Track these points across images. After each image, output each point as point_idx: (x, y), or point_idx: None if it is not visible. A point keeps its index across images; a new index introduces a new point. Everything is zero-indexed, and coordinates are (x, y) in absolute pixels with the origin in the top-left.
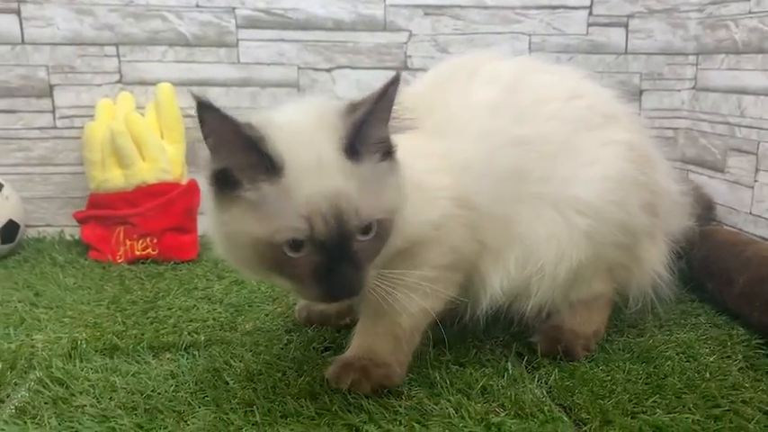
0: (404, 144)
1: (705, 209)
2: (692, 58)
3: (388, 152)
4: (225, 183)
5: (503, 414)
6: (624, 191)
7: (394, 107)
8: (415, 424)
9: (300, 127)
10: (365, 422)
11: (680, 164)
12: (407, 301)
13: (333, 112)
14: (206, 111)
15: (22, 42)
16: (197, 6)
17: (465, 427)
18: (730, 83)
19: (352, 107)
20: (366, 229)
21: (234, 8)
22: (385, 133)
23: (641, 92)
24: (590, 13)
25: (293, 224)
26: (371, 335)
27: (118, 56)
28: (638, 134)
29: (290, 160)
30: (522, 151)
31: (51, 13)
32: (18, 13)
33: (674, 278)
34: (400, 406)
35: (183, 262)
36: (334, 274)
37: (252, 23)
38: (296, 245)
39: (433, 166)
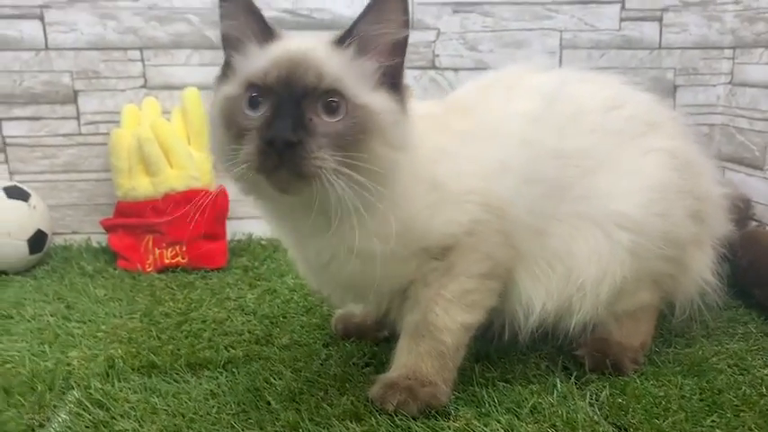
0: (427, 143)
1: (744, 209)
2: (728, 52)
3: (394, 84)
4: (225, 72)
5: None
6: (668, 201)
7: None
8: None
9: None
10: None
11: (716, 161)
12: (449, 316)
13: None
14: None
15: (46, 48)
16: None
17: None
18: None
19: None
20: (332, 105)
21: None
22: (387, 44)
23: (675, 87)
24: (623, 8)
25: (254, 73)
26: (415, 354)
27: (142, 60)
28: (681, 140)
29: (284, 35)
30: (561, 164)
31: (74, 18)
32: (41, 18)
33: (722, 284)
34: (449, 427)
35: (213, 270)
36: (278, 118)
37: (277, 24)
38: (255, 98)
39: (459, 169)
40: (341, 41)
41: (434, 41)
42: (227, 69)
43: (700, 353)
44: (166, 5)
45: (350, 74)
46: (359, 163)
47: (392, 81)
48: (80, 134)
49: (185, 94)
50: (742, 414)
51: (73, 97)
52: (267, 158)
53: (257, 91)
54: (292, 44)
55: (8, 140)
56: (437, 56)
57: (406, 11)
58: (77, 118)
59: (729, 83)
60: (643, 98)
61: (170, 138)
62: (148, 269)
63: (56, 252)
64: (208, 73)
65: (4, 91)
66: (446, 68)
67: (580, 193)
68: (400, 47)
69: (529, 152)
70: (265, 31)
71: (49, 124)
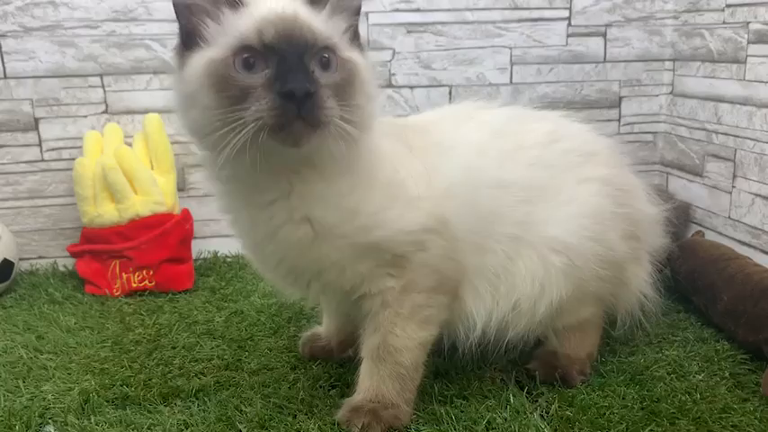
0: (388, 145)
1: (682, 216)
2: (668, 64)
3: (355, 36)
4: (186, 44)
5: None
6: (601, 226)
7: None
8: None
9: None
10: None
11: (659, 167)
12: (407, 335)
13: None
14: None
15: (5, 77)
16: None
17: None
18: (707, 90)
19: None
20: (326, 60)
21: None
22: (352, 4)
23: (620, 98)
24: (569, 24)
25: (244, 34)
26: (377, 377)
27: (102, 86)
28: (615, 168)
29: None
30: (501, 193)
31: (32, 46)
32: None
33: (659, 296)
34: None
35: (180, 292)
36: (288, 73)
37: None
38: (251, 59)
39: (414, 177)
40: (315, 1)
41: (390, 61)
42: (190, 39)
43: (641, 361)
44: (125, 32)
45: (333, 32)
46: (351, 112)
47: (355, 39)
48: (43, 160)
49: (146, 119)
50: (677, 422)
51: (34, 125)
52: (284, 111)
53: (250, 51)
54: (276, 5)
55: None
56: (393, 74)
57: None
58: (39, 145)
59: (671, 93)
60: (580, 130)
61: (133, 164)
62: (116, 293)
63: (22, 278)
64: (168, 97)
65: None
66: (402, 86)
67: (518, 218)
68: (359, 8)
69: (472, 179)
70: None
71: (11, 152)
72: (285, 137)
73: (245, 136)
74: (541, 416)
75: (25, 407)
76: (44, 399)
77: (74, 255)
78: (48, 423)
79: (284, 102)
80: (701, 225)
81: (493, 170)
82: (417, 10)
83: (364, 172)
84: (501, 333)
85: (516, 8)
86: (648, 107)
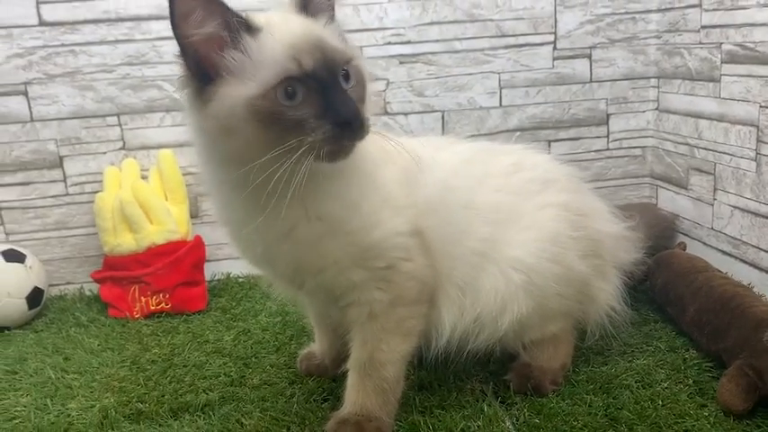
0: (377, 159)
1: (666, 228)
2: (653, 81)
3: (332, 15)
4: (201, 76)
5: None
6: (559, 247)
7: None
8: None
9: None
10: None
11: (650, 179)
12: (391, 348)
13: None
14: None
15: (32, 120)
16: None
17: None
18: (687, 107)
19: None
20: (346, 73)
21: None
22: (332, 6)
23: (608, 116)
24: (554, 48)
25: (282, 65)
26: (363, 392)
27: (120, 125)
28: (573, 193)
29: (261, 22)
30: (470, 213)
31: (55, 91)
32: (25, 93)
33: (628, 308)
34: None
35: (194, 313)
36: (337, 101)
37: None
38: (290, 88)
39: (399, 187)
40: (304, 8)
41: (385, 90)
42: (206, 72)
43: (612, 370)
44: (138, 75)
45: (341, 42)
46: (367, 111)
47: (331, 12)
48: (67, 194)
49: (160, 155)
50: (635, 427)
51: (59, 162)
52: (342, 137)
53: (291, 82)
54: (299, 29)
55: (2, 205)
56: (388, 103)
57: None
58: (64, 180)
59: (656, 109)
60: (542, 160)
61: (148, 197)
62: (136, 316)
63: (52, 303)
64: (179, 132)
65: None
66: (397, 113)
67: (484, 236)
68: (334, 3)
69: (446, 197)
70: (240, 20)
71: (39, 188)
72: (337, 156)
73: (301, 161)
74: (513, 423)
75: (52, 423)
76: (69, 415)
77: (97, 281)
78: None
79: (341, 130)
80: (687, 236)
81: (464, 192)
82: (408, 42)
83: (364, 170)
84: (463, 343)
85: (503, 35)
86: (636, 123)
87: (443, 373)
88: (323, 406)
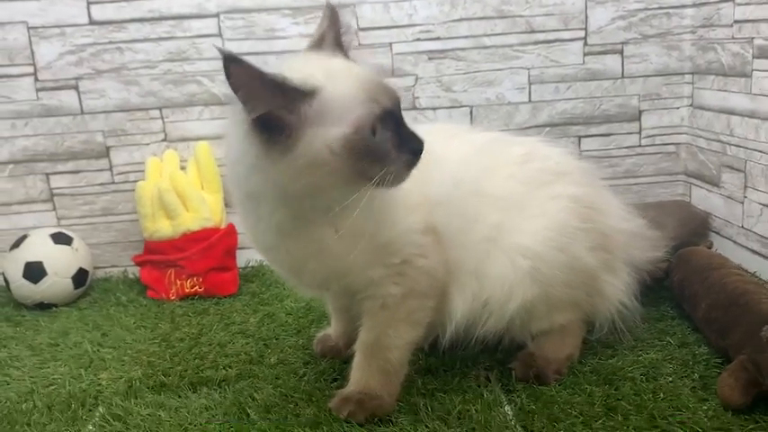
0: None
1: (699, 226)
2: (688, 77)
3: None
4: (269, 128)
5: None
6: (566, 237)
7: None
8: None
9: (297, 57)
10: None
11: (683, 177)
12: (398, 335)
13: (308, 47)
14: (232, 63)
15: (82, 113)
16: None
17: None
18: (720, 103)
19: (317, 40)
20: None
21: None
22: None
23: (640, 112)
24: (585, 44)
25: (367, 106)
26: (366, 372)
27: (162, 118)
28: (585, 186)
29: (313, 76)
30: (480, 201)
31: (103, 86)
32: (76, 88)
33: (639, 305)
34: None
35: (225, 297)
36: (410, 135)
37: None
38: (377, 122)
39: (413, 181)
40: (340, 47)
41: (413, 86)
42: (276, 127)
43: (619, 363)
44: (179, 70)
45: None
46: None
47: None
48: (113, 182)
49: (197, 147)
50: (630, 417)
51: (106, 152)
52: (412, 166)
53: (376, 120)
54: (357, 71)
55: (55, 191)
56: (417, 98)
57: None
58: (110, 170)
59: (690, 105)
60: (554, 152)
61: (185, 186)
62: (172, 298)
63: (98, 284)
64: (217, 125)
65: (50, 150)
66: (426, 108)
67: (493, 222)
68: None
69: (456, 187)
70: (297, 90)
71: (87, 176)
72: (401, 182)
73: (377, 187)
74: (512, 408)
75: (84, 390)
76: (99, 384)
77: (138, 264)
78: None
79: (414, 158)
80: (719, 234)
81: (474, 181)
82: (438, 38)
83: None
84: (472, 329)
85: (533, 31)
86: (669, 119)
87: (451, 360)
88: (332, 385)
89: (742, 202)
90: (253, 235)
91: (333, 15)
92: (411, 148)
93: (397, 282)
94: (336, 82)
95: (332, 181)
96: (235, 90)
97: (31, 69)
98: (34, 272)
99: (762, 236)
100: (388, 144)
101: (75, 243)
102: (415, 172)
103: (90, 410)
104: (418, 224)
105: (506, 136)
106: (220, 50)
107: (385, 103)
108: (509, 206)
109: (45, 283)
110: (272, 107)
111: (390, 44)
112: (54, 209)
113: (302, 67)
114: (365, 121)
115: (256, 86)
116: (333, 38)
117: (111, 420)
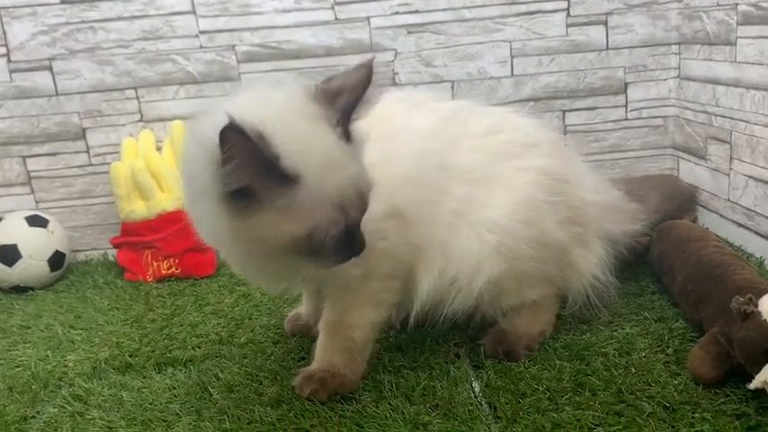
0: None
1: (685, 200)
2: (674, 48)
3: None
4: (243, 197)
5: (433, 414)
6: (533, 211)
7: None
8: (354, 426)
9: (297, 123)
10: (315, 426)
11: (671, 150)
12: (361, 316)
13: (312, 99)
14: (235, 133)
15: (56, 94)
16: (201, 47)
17: (396, 428)
18: (706, 73)
19: (332, 92)
20: None
21: (234, 45)
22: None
23: (626, 84)
24: (568, 15)
25: (330, 217)
26: (329, 350)
27: (137, 98)
28: (554, 158)
29: (304, 163)
30: (446, 175)
31: (77, 66)
32: (50, 69)
33: (615, 279)
34: (347, 410)
35: (202, 278)
36: (354, 242)
37: (251, 57)
38: (333, 230)
39: (372, 164)
40: (346, 137)
41: (393, 61)
42: (249, 193)
43: (593, 339)
44: (153, 49)
45: (361, 162)
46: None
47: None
48: (90, 164)
49: (173, 126)
50: (599, 392)
51: (82, 134)
52: (348, 258)
53: (335, 229)
54: (341, 178)
55: (32, 174)
56: (396, 74)
57: None
58: (87, 151)
59: (678, 77)
60: (523, 124)
61: (160, 166)
62: (149, 279)
63: (77, 267)
64: (193, 105)
65: (26, 133)
66: (405, 84)
67: (460, 196)
68: None
69: (421, 162)
70: (280, 172)
71: (65, 158)
72: (339, 263)
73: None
74: (479, 385)
75: (49, 372)
76: (65, 366)
77: (115, 246)
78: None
79: (349, 259)
80: (705, 208)
81: (439, 154)
82: (416, 11)
83: None
84: (441, 306)
85: (514, 2)
86: (656, 92)
87: (421, 337)
88: (298, 364)
89: (728, 175)
90: (230, 261)
91: (367, 77)
92: (349, 255)
93: (358, 263)
94: (320, 176)
95: (269, 253)
96: (224, 159)
97: (3, 50)
98: (9, 254)
99: (747, 208)
100: (330, 248)
101: (51, 225)
102: (373, 152)
103: (53, 392)
104: (375, 212)
105: (473, 105)
106: (229, 116)
107: (351, 218)
108: (476, 179)
109: (20, 266)
110: (252, 182)
111: (368, 18)
112: (32, 192)
113: (303, 137)
114: (322, 230)
115: (247, 159)
116: (348, 102)
117: (72, 401)
